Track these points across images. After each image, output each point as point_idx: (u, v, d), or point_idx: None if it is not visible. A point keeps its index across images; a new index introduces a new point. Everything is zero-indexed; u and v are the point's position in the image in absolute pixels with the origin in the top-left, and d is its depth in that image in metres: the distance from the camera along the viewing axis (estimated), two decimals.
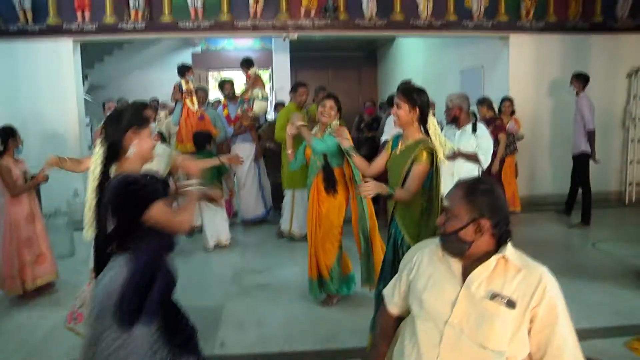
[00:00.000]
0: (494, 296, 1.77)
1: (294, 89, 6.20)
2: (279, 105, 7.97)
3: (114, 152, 2.12)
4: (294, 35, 7.72)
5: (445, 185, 4.47)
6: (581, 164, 6.64)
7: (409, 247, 2.94)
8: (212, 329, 3.91)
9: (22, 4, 7.16)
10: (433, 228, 2.95)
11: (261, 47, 12.75)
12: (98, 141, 2.04)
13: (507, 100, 7.20)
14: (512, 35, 8.01)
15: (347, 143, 3.63)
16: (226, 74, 12.96)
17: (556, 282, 1.79)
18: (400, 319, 2.14)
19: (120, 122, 2.15)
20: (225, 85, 7.22)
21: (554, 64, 8.01)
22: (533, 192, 8.03)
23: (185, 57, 12.64)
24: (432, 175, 3.00)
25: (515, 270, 1.80)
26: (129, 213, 2.08)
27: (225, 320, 4.12)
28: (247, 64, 7.13)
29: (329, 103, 4.18)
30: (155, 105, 8.79)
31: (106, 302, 2.04)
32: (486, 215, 1.80)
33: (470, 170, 4.68)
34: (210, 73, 13.42)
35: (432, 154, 2.97)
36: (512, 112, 7.21)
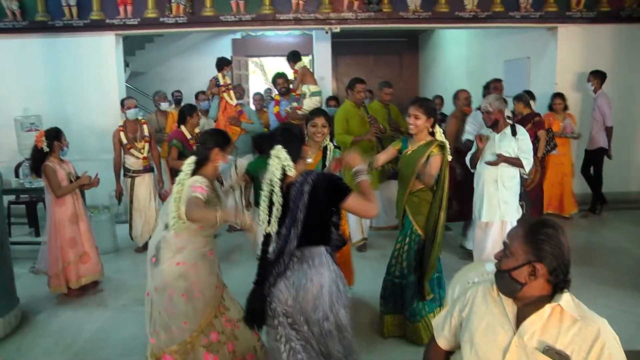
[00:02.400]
0: (546, 349, 1.70)
1: (350, 86, 5.72)
2: (330, 100, 7.50)
3: (294, 159, 2.59)
4: (337, 28, 7.59)
5: (489, 192, 4.49)
6: (598, 158, 7.12)
7: (417, 236, 3.65)
8: None
9: (67, 0, 7.28)
10: (435, 217, 3.59)
11: (302, 33, 12.59)
12: (279, 148, 2.57)
13: (558, 96, 6.88)
14: (561, 26, 7.68)
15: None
16: (266, 61, 12.87)
17: (616, 336, 1.71)
18: (448, 353, 2.10)
19: (300, 140, 2.71)
20: (277, 80, 6.70)
21: (604, 56, 7.61)
22: (579, 192, 7.65)
23: (226, 43, 12.61)
24: (441, 173, 3.56)
25: (571, 321, 1.72)
26: (330, 200, 2.55)
27: None
28: (293, 57, 6.71)
29: (320, 121, 3.83)
30: (178, 96, 8.74)
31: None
32: (543, 261, 1.73)
33: (512, 176, 4.54)
34: (250, 59, 13.32)
35: (444, 148, 3.58)
36: (565, 108, 6.93)
